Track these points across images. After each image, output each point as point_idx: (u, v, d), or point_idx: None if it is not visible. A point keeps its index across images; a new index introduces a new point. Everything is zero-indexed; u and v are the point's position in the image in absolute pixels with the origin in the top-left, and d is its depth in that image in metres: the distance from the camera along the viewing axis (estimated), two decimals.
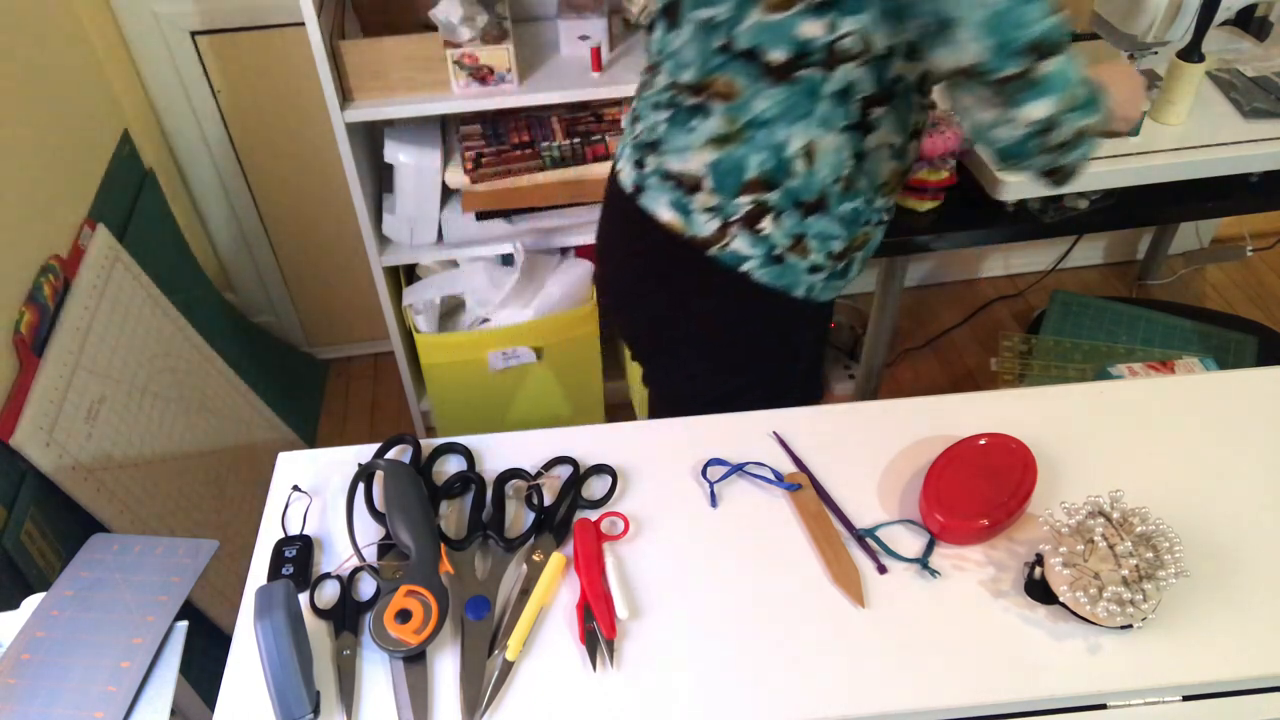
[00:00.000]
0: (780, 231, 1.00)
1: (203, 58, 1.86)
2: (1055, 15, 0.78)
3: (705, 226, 1.01)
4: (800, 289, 1.06)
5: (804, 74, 0.89)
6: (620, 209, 1.11)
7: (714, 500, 0.86)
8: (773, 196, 0.97)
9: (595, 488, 0.88)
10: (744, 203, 0.98)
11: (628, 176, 1.08)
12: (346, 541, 0.83)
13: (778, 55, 0.89)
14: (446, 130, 1.76)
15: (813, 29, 0.86)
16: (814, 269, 1.04)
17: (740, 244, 1.01)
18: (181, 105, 1.92)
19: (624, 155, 1.11)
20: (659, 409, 1.35)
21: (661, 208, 1.03)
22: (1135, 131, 1.47)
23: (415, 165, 1.69)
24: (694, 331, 1.12)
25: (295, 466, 0.91)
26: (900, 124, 0.97)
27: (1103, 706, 0.73)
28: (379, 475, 0.88)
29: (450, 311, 1.97)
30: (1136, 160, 1.46)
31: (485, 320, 1.90)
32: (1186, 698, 0.73)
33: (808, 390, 1.22)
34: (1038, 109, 0.80)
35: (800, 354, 1.17)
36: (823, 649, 0.75)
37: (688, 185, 1.01)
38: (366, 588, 0.80)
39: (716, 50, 0.93)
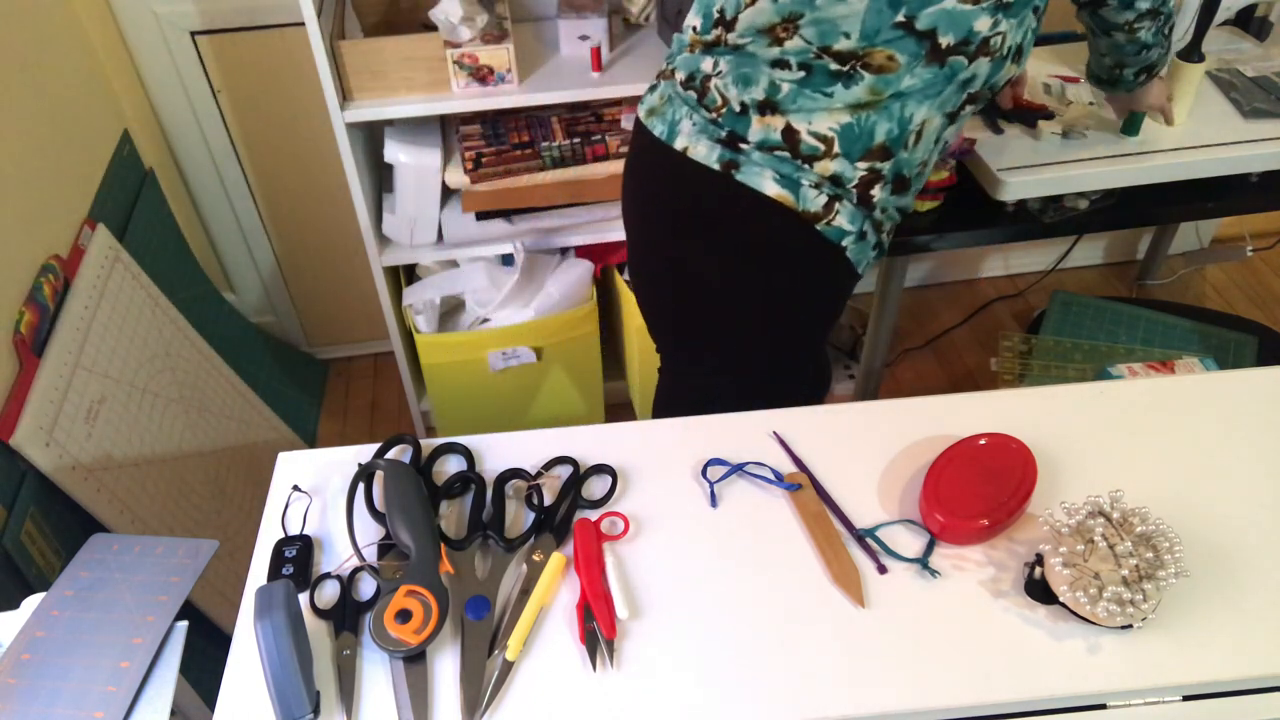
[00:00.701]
0: (879, 203, 1.05)
1: (203, 58, 1.86)
2: None
3: (814, 201, 1.03)
4: (862, 265, 1.12)
5: (955, 59, 0.97)
6: (692, 185, 1.08)
7: (714, 500, 0.86)
8: (886, 166, 1.02)
9: (595, 488, 0.88)
10: (862, 168, 1.01)
11: (707, 154, 1.05)
12: (346, 541, 0.83)
13: (948, 39, 0.95)
14: (446, 130, 1.76)
15: (983, 23, 0.96)
16: (876, 246, 1.11)
17: (843, 219, 1.04)
18: (181, 105, 1.92)
19: (684, 133, 1.07)
20: (676, 395, 1.35)
21: (767, 183, 1.03)
22: (1135, 131, 1.47)
23: (415, 165, 1.69)
24: (762, 306, 1.14)
25: (295, 466, 0.90)
26: (961, 126, 1.07)
27: (1103, 706, 0.73)
28: (379, 475, 0.88)
29: (450, 311, 1.97)
30: (1136, 160, 1.46)
31: (485, 320, 1.90)
32: (1186, 698, 0.73)
33: (821, 370, 1.26)
34: None
35: (829, 330, 1.24)
36: (823, 649, 0.75)
37: (805, 153, 1.01)
38: (366, 588, 0.80)
39: (894, 25, 0.95)
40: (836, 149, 1.00)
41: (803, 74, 0.99)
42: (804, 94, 1.00)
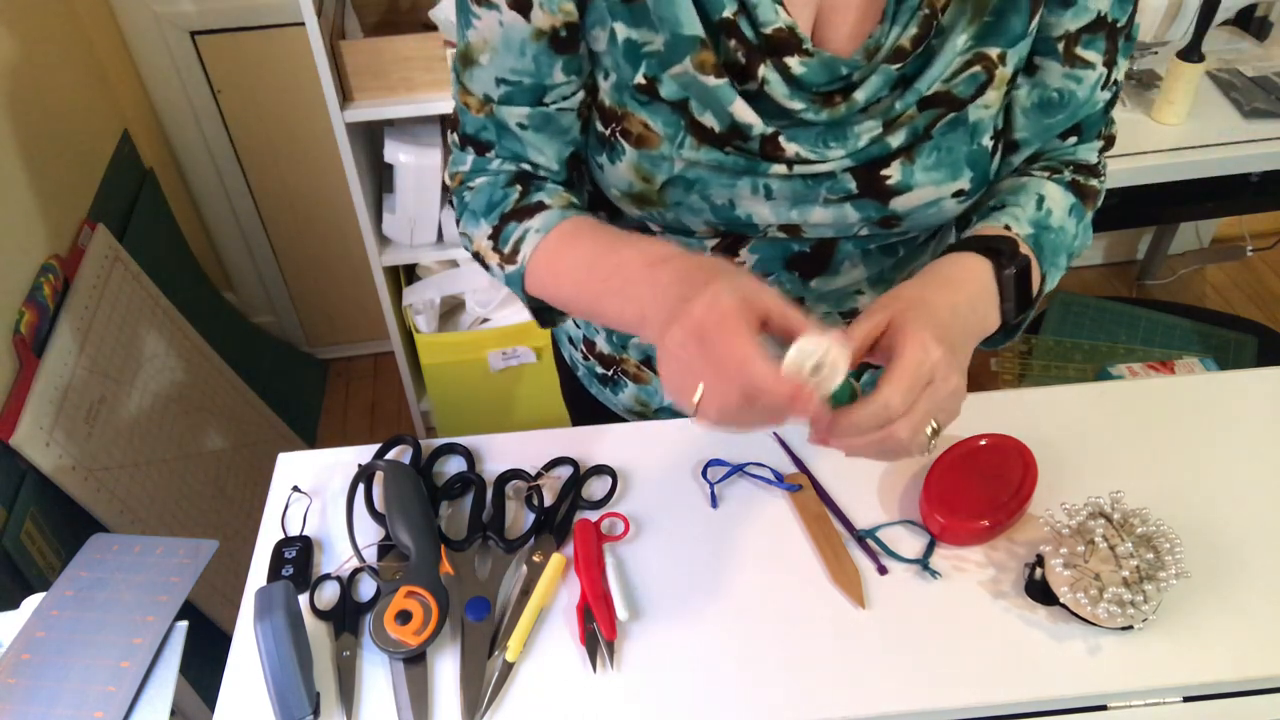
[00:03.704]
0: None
1: (203, 58, 1.86)
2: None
3: None
4: (565, 349, 1.06)
5: None
6: None
7: (714, 501, 0.86)
8: None
9: (595, 488, 0.88)
10: None
11: None
12: (346, 542, 0.83)
13: None
14: (446, 130, 1.76)
15: None
16: (571, 340, 1.04)
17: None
18: (181, 105, 1.92)
19: None
20: None
21: None
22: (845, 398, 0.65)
23: (415, 165, 1.69)
24: None
25: (295, 466, 0.90)
26: None
27: (1103, 708, 0.73)
28: (379, 476, 0.88)
29: (450, 311, 1.97)
30: (1136, 160, 1.46)
31: (485, 320, 1.91)
32: (1187, 699, 0.73)
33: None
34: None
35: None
36: (823, 649, 0.75)
37: None
38: (366, 588, 0.80)
39: None
40: None
41: None
42: None
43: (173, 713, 0.76)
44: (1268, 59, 1.70)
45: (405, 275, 1.97)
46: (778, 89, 0.69)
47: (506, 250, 0.76)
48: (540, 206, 0.76)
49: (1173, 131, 1.52)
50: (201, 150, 1.99)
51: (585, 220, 0.76)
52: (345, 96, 1.59)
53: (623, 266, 0.68)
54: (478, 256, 0.81)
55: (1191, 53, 1.48)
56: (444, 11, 1.54)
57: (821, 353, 0.59)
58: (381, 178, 1.84)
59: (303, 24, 1.47)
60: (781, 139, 0.71)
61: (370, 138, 1.82)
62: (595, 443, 0.91)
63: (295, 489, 0.88)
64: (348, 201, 1.73)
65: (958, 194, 0.75)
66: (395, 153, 1.69)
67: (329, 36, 1.52)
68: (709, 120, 0.71)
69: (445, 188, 1.73)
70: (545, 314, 0.83)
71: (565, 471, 0.89)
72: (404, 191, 1.73)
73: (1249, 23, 1.78)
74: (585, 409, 1.07)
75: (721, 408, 0.59)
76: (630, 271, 0.68)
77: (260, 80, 1.90)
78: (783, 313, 0.60)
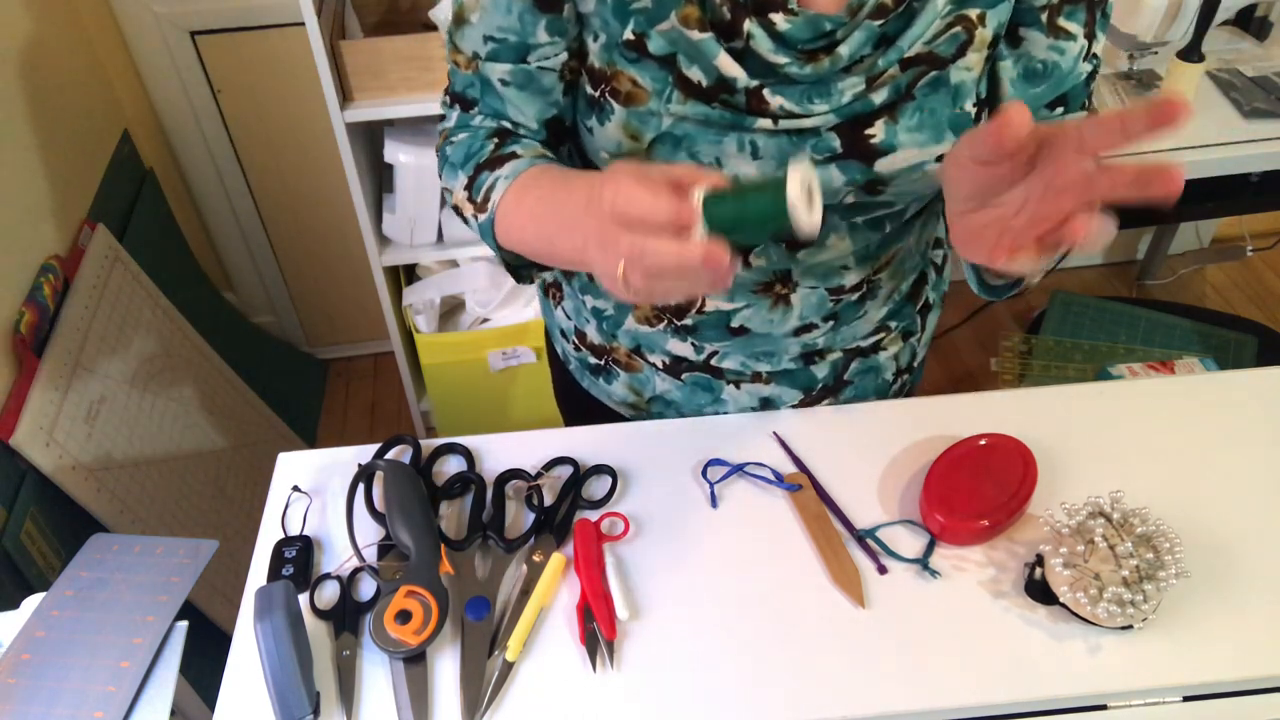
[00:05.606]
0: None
1: (203, 58, 1.86)
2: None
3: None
4: (557, 343, 1.06)
5: None
6: None
7: (714, 501, 0.86)
8: None
9: (595, 488, 0.88)
10: None
11: None
12: (346, 542, 0.83)
13: None
14: None
15: None
16: (563, 333, 1.03)
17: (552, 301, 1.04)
18: (181, 105, 1.92)
19: None
20: None
21: None
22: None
23: (415, 165, 1.69)
24: None
25: (295, 466, 0.90)
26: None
27: (1103, 707, 0.73)
28: (379, 475, 0.88)
29: (450, 311, 1.97)
30: (1136, 160, 1.46)
31: (485, 320, 1.91)
32: (1187, 698, 0.73)
33: None
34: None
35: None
36: (823, 649, 0.75)
37: None
38: (366, 588, 0.80)
39: None
40: None
41: None
42: None
43: (173, 713, 0.76)
44: (1268, 59, 1.70)
45: (405, 275, 1.97)
46: (762, 44, 0.70)
47: (479, 199, 0.78)
48: (512, 156, 0.77)
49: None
50: (201, 150, 1.99)
51: (552, 165, 0.77)
52: (345, 96, 1.59)
53: (576, 195, 0.69)
54: (457, 210, 0.82)
55: (1191, 53, 1.48)
56: (444, 11, 1.54)
57: (812, 175, 0.59)
58: (381, 178, 1.84)
59: (303, 24, 1.47)
60: (766, 92, 0.72)
61: (370, 138, 1.82)
62: (595, 442, 0.91)
63: (295, 489, 0.88)
64: (348, 201, 1.73)
65: (941, 159, 0.76)
66: (395, 153, 1.69)
67: (329, 36, 1.52)
68: (696, 74, 0.72)
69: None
70: (521, 269, 0.84)
71: (565, 471, 0.89)
72: (404, 191, 1.73)
73: (1249, 23, 1.78)
74: (578, 405, 1.07)
75: (643, 268, 0.59)
76: (580, 198, 0.68)
77: (260, 80, 1.90)
78: (685, 170, 0.61)
